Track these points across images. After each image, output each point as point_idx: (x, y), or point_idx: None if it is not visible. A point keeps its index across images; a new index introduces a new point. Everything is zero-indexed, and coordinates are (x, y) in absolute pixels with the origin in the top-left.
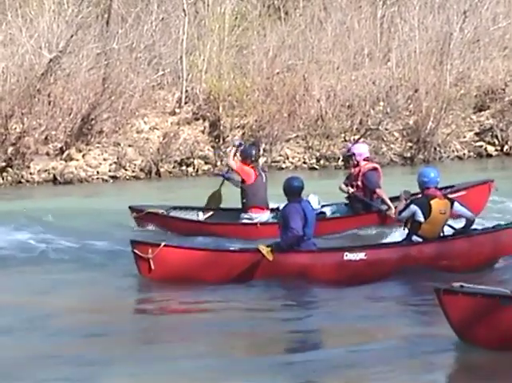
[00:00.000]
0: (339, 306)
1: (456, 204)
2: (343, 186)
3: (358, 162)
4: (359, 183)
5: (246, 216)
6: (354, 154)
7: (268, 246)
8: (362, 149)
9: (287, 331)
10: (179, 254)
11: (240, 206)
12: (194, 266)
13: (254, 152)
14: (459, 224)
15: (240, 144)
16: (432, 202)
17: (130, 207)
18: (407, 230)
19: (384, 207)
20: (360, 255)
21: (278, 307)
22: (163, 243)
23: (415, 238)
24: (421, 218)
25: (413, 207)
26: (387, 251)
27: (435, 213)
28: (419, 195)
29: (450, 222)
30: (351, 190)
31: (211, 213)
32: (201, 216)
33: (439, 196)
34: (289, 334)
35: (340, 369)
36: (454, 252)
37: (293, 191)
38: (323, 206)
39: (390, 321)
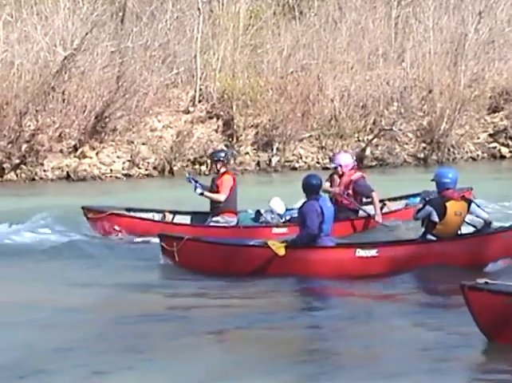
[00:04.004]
0: (351, 303)
1: (473, 205)
2: (328, 187)
3: (344, 172)
4: (349, 191)
5: (222, 221)
6: (340, 165)
7: (282, 242)
8: (347, 160)
9: (299, 328)
10: (201, 247)
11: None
12: (215, 258)
13: (228, 155)
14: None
15: (191, 180)
16: (448, 204)
17: (84, 208)
18: (423, 229)
19: (372, 212)
20: (372, 252)
21: (291, 303)
22: (186, 237)
23: (429, 237)
24: (436, 218)
25: (428, 208)
26: (398, 248)
27: (450, 214)
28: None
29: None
30: (337, 189)
31: (172, 215)
32: (157, 218)
33: (456, 198)
34: (301, 331)
35: (354, 367)
36: (466, 251)
37: (311, 188)
38: (288, 210)
39: (403, 319)
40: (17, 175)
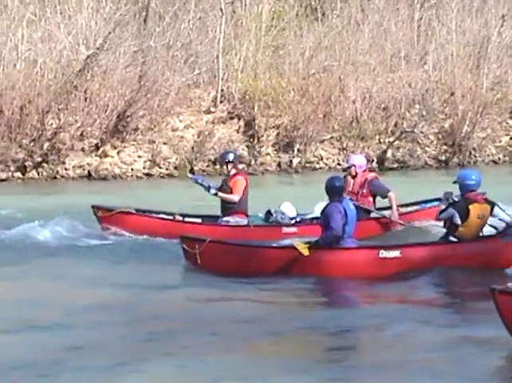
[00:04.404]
0: (374, 305)
1: (496, 208)
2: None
3: (357, 173)
4: (364, 191)
5: (233, 221)
6: (354, 165)
7: (306, 243)
8: (361, 161)
9: (322, 329)
10: (223, 249)
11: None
12: (237, 260)
13: (237, 156)
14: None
15: (196, 179)
16: (471, 206)
17: (94, 207)
18: (445, 230)
19: (388, 213)
20: (395, 253)
21: (315, 305)
22: (208, 239)
23: (451, 239)
24: (458, 221)
25: (451, 210)
26: (421, 249)
27: (473, 217)
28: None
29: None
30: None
31: (181, 218)
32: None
33: (479, 201)
34: (324, 333)
35: (377, 370)
36: (488, 252)
37: (334, 190)
38: (299, 215)
39: (428, 322)
40: (38, 174)
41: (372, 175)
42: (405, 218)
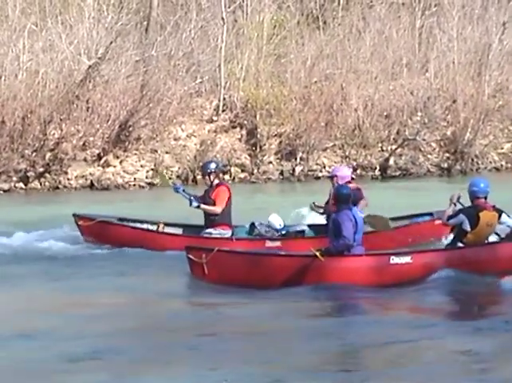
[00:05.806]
0: (386, 311)
1: (504, 215)
2: (318, 206)
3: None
4: None
5: (215, 233)
6: (336, 176)
7: (317, 250)
8: (345, 172)
9: (333, 339)
10: (232, 258)
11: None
12: (247, 270)
13: (219, 166)
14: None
15: (178, 189)
16: (481, 214)
17: (75, 215)
18: (452, 236)
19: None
20: (406, 259)
21: (326, 313)
22: (216, 248)
23: (459, 245)
24: (467, 228)
25: (461, 217)
26: (432, 255)
27: (482, 225)
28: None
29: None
30: (321, 210)
31: (163, 226)
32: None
33: (488, 208)
34: (335, 342)
35: (389, 378)
36: (498, 257)
37: (343, 198)
38: (285, 226)
39: (443, 328)
40: (41, 184)
41: (352, 185)
42: (399, 233)
